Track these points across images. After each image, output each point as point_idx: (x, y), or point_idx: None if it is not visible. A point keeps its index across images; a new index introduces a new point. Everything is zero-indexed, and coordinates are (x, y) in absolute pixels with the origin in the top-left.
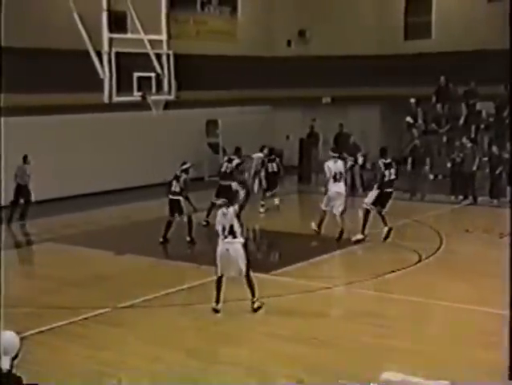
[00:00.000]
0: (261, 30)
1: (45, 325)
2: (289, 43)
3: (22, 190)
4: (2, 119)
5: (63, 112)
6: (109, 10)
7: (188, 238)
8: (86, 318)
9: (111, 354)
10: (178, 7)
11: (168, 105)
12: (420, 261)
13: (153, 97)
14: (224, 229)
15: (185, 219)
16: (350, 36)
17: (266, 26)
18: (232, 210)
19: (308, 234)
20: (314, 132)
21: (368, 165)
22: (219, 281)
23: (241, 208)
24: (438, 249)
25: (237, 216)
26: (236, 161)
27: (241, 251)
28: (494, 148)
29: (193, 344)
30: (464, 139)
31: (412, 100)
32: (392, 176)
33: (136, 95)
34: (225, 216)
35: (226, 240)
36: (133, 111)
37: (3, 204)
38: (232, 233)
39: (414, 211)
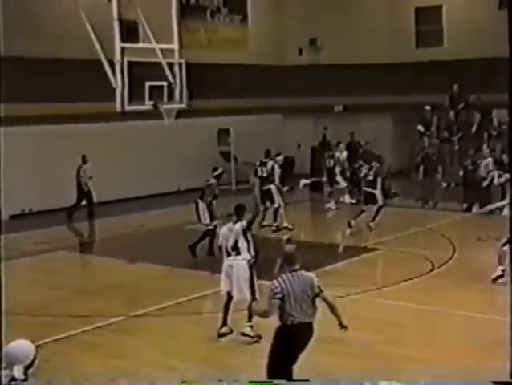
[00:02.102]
0: (272, 39)
1: (59, 333)
2: (300, 52)
3: (82, 190)
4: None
5: (76, 121)
6: (120, 20)
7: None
8: (99, 327)
9: (124, 363)
10: (189, 16)
11: (179, 114)
12: (432, 269)
13: (165, 106)
14: (227, 246)
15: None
16: (361, 44)
17: (277, 35)
18: (239, 225)
19: (319, 243)
20: (326, 141)
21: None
22: (227, 303)
23: (251, 223)
24: (451, 257)
25: (244, 231)
26: (271, 163)
27: (246, 270)
28: (504, 156)
29: (206, 353)
30: (484, 147)
31: (428, 108)
32: None
33: (148, 104)
34: (231, 231)
35: (230, 257)
36: (145, 119)
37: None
38: (236, 249)
39: (426, 219)
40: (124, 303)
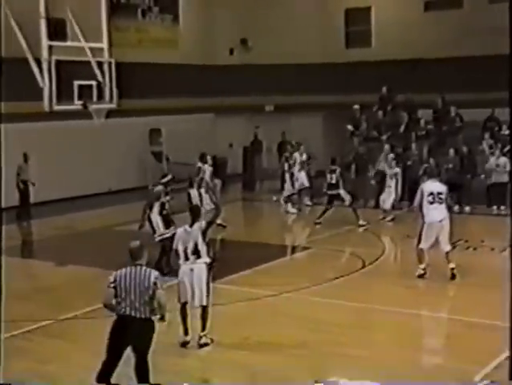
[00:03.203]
0: (203, 38)
1: None
2: (231, 52)
3: (25, 187)
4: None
5: (2, 121)
6: (48, 18)
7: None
8: (28, 331)
9: (55, 367)
10: (119, 15)
11: (109, 113)
12: (363, 266)
13: (95, 105)
14: (186, 249)
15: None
16: (292, 44)
17: (209, 34)
18: (197, 227)
19: (252, 242)
20: (258, 140)
21: (313, 172)
22: (183, 309)
23: (210, 224)
24: (381, 254)
25: (204, 233)
26: (198, 167)
27: (205, 274)
28: (431, 160)
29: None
30: (413, 147)
31: (356, 107)
32: None
33: (77, 104)
34: (189, 233)
35: (189, 261)
36: (75, 119)
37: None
38: (196, 252)
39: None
40: (54, 306)
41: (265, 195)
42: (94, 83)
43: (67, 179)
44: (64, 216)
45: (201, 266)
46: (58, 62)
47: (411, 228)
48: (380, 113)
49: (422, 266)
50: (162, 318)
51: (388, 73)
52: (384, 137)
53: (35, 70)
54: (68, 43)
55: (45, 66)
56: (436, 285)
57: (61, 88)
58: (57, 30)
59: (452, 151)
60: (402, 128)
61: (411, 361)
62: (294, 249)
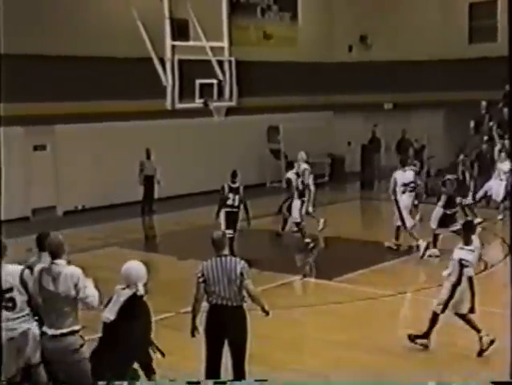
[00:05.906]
0: (322, 36)
1: None
2: (350, 49)
3: (148, 183)
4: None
5: (128, 119)
6: (171, 18)
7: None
8: None
9: (174, 359)
10: (239, 14)
11: (229, 111)
12: (486, 268)
13: (215, 103)
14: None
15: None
16: (412, 40)
17: (327, 32)
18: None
19: (370, 241)
20: (376, 138)
21: (433, 172)
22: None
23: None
24: (505, 256)
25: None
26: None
27: None
28: None
29: (254, 350)
30: None
31: (484, 103)
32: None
33: (199, 102)
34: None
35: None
36: (196, 117)
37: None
38: None
39: (482, 217)
40: (175, 299)
41: (383, 194)
42: (215, 81)
43: (186, 175)
44: (184, 211)
45: None
46: (180, 62)
47: None
48: (506, 111)
49: (398, 242)
50: (267, 313)
51: None
52: (508, 136)
53: (159, 69)
54: (190, 43)
55: (168, 65)
56: None
57: (183, 87)
58: (180, 30)
59: None
60: None
61: None
62: (411, 250)
